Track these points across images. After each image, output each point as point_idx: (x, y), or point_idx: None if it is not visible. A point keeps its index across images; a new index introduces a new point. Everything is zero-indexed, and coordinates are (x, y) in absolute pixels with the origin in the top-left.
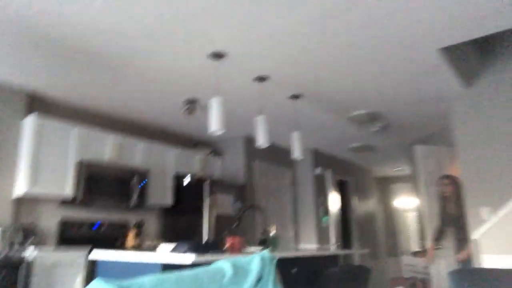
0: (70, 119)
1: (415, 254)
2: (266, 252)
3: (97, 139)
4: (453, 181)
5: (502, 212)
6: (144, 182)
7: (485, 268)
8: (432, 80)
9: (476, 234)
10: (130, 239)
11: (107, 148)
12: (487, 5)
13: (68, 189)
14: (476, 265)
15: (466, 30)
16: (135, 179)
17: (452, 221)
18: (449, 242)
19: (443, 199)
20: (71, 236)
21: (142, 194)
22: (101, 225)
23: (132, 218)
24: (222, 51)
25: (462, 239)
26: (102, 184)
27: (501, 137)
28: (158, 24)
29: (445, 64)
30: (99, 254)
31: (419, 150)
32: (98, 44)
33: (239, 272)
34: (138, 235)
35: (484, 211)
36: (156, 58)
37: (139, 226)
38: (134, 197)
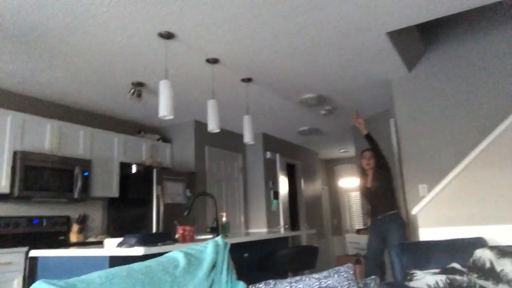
0: (3, 106)
1: (359, 231)
2: (219, 239)
3: (35, 127)
4: (375, 154)
5: (437, 189)
6: (87, 172)
7: (422, 241)
8: (377, 64)
9: (414, 209)
10: (74, 235)
11: (46, 137)
12: None
13: (3, 183)
14: (415, 239)
15: (412, 14)
16: (77, 170)
17: (370, 195)
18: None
19: (364, 174)
20: (8, 234)
21: (85, 185)
22: (40, 221)
23: (75, 212)
24: (171, 31)
25: (377, 213)
26: (41, 176)
27: (438, 119)
28: None
29: (391, 48)
30: (40, 253)
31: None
32: (33, 21)
33: (193, 261)
34: (81, 230)
35: (421, 188)
36: (98, 37)
37: (82, 221)
38: (77, 189)
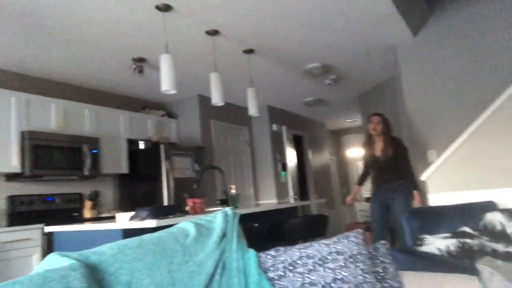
0: (7, 87)
1: (368, 199)
2: (228, 210)
3: (39, 106)
4: (383, 120)
5: (446, 154)
6: (95, 150)
7: (432, 206)
8: (382, 29)
9: (423, 176)
10: (87, 211)
11: (52, 116)
12: None
13: (14, 163)
14: (425, 204)
15: None
16: (85, 147)
17: (378, 164)
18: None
19: (370, 140)
20: (23, 212)
21: (95, 162)
22: (54, 198)
23: (86, 189)
24: (168, 2)
25: (383, 182)
26: (50, 155)
27: (444, 84)
28: None
29: (395, 12)
30: (55, 228)
31: None
32: (26, 0)
33: (202, 231)
34: (94, 206)
35: (430, 154)
36: (95, 12)
37: (94, 197)
38: (86, 166)
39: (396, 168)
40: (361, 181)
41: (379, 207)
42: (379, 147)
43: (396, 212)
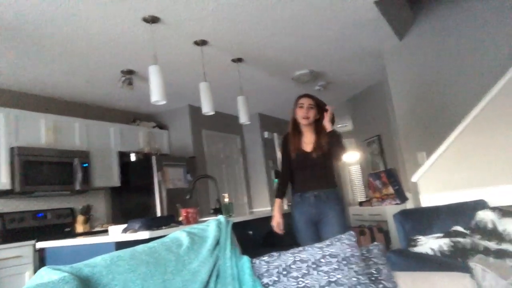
0: None
1: (361, 204)
2: (221, 217)
3: (29, 122)
4: (317, 103)
5: (436, 154)
6: (86, 163)
7: (424, 207)
8: (367, 34)
9: (414, 177)
10: (79, 226)
11: (41, 131)
12: None
13: (3, 179)
14: (416, 205)
15: None
16: (76, 162)
17: (307, 161)
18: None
19: (296, 130)
20: (14, 229)
21: (86, 176)
22: (45, 214)
23: (78, 203)
24: (155, 15)
25: (309, 188)
26: (40, 170)
27: (432, 86)
28: None
29: (380, 17)
30: (47, 244)
31: None
32: (14, 13)
33: (196, 239)
34: (87, 220)
35: (420, 156)
36: (82, 26)
37: (86, 211)
38: (78, 180)
39: (330, 169)
40: (283, 191)
41: (306, 223)
42: (309, 140)
43: (330, 233)
